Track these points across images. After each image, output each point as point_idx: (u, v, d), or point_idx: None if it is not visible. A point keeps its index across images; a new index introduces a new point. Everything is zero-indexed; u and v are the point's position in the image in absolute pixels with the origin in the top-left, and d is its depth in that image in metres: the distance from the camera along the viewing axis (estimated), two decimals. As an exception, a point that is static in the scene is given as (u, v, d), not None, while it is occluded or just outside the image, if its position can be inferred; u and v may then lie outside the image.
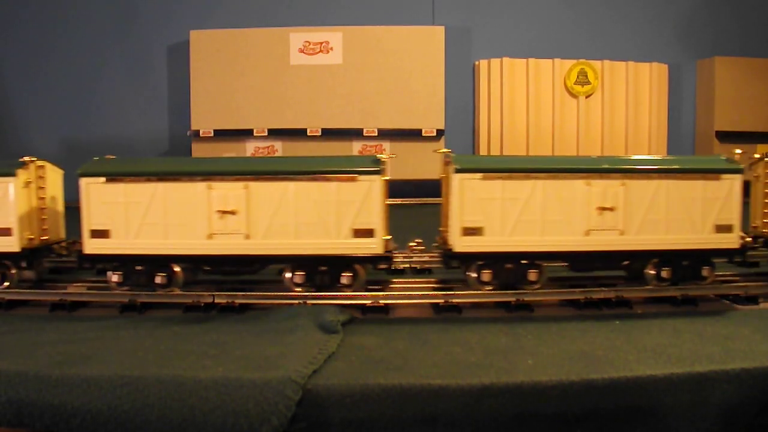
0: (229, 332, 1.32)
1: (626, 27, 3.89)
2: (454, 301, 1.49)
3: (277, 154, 3.57)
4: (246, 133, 3.58)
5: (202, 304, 1.49)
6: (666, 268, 1.54)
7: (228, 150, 3.55)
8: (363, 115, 3.58)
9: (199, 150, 3.58)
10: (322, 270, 1.51)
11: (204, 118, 3.58)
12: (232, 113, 3.58)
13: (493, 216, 1.50)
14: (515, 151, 3.72)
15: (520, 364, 1.14)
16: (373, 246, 1.50)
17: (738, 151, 1.59)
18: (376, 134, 3.58)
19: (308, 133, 3.57)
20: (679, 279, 1.56)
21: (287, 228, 1.50)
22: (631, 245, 1.53)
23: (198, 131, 3.58)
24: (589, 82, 3.72)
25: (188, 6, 3.86)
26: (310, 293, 1.50)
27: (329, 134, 3.57)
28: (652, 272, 1.55)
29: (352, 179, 1.49)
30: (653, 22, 3.91)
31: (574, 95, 3.74)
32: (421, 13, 3.85)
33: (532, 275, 1.52)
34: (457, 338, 1.29)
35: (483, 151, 3.73)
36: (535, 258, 1.53)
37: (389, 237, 1.52)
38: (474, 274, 1.53)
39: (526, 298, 1.49)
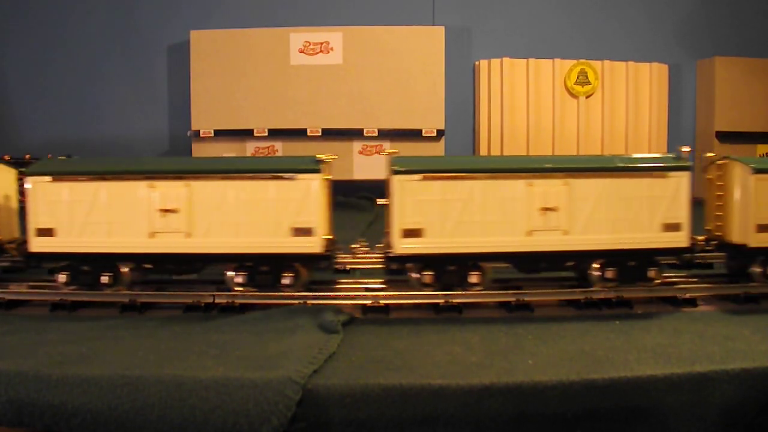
0: (229, 332, 1.32)
1: (626, 27, 3.89)
2: (454, 301, 1.49)
3: (277, 155, 3.58)
4: (246, 133, 3.58)
5: (202, 304, 1.49)
6: None
7: (228, 150, 3.55)
8: (363, 115, 3.58)
9: (199, 150, 3.58)
10: (631, 265, 1.53)
11: (204, 118, 3.58)
12: (232, 113, 3.58)
13: None
14: (515, 151, 3.72)
15: (521, 364, 1.14)
16: (680, 239, 1.52)
17: None
18: (376, 134, 3.58)
19: (308, 134, 3.57)
20: None
21: (602, 224, 1.51)
22: None
23: (198, 131, 3.58)
24: (589, 83, 3.72)
25: (188, 6, 3.86)
26: (310, 293, 1.50)
27: (329, 134, 3.57)
28: None
29: (663, 176, 1.51)
30: (653, 23, 3.91)
31: (574, 95, 3.74)
32: (421, 13, 3.85)
33: None
34: (457, 338, 1.29)
35: (483, 152, 3.73)
36: None
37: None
38: None
39: (526, 298, 1.50)
